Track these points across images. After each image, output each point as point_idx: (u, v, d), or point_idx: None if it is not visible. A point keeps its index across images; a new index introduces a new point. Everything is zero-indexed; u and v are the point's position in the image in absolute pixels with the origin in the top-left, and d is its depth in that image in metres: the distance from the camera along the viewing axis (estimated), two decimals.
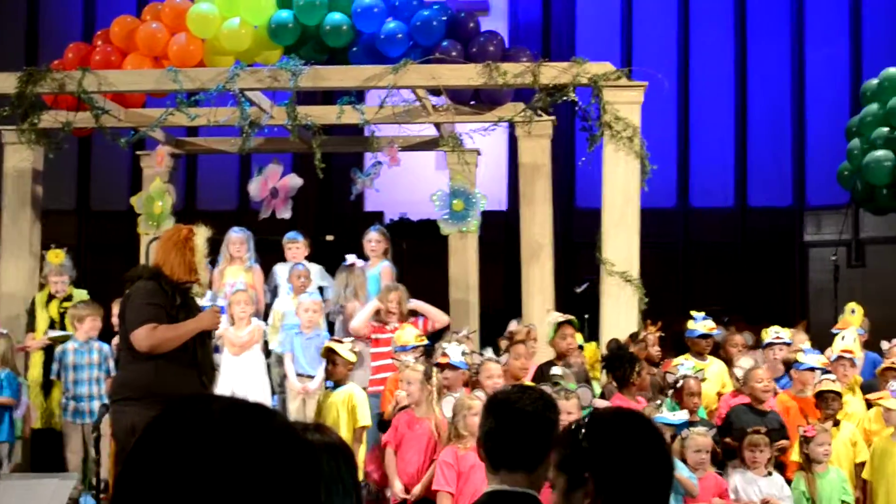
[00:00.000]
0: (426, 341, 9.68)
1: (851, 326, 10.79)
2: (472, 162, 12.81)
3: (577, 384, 8.32)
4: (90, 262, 16.04)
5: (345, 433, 8.73)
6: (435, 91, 11.30)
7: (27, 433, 10.76)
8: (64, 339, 10.60)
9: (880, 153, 13.95)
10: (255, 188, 12.25)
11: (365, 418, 9.08)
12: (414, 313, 10.35)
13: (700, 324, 10.17)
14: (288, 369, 10.43)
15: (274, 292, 11.59)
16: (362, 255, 11.52)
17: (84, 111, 11.26)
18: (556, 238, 12.45)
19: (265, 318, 11.11)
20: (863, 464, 8.81)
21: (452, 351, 8.86)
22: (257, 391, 9.74)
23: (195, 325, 7.37)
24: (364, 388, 9.58)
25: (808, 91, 20.56)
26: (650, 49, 20.44)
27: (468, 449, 7.36)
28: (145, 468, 1.64)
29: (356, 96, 11.56)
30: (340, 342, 9.42)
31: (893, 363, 9.61)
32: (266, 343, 10.69)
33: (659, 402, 8.58)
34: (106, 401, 8.95)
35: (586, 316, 11.32)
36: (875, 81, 14.69)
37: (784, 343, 10.08)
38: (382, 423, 8.83)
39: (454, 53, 10.98)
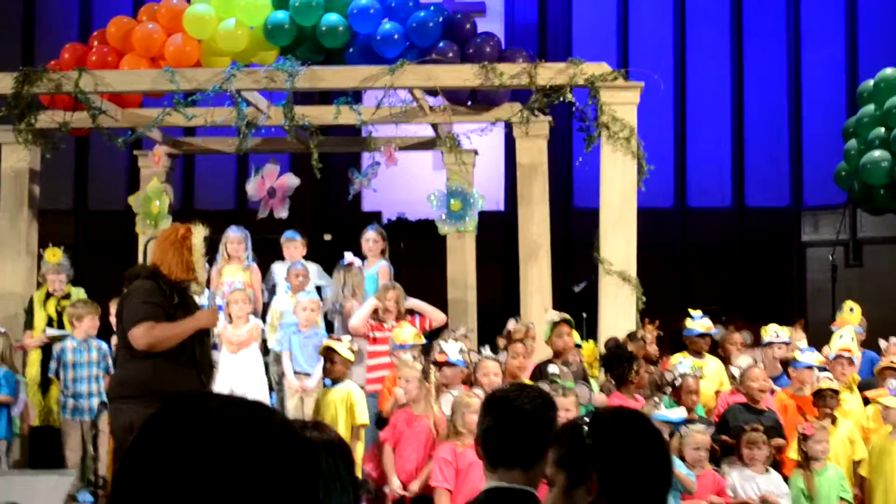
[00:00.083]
0: (424, 340, 9.70)
1: (849, 325, 10.81)
2: (469, 162, 12.82)
3: (574, 382, 8.33)
4: (88, 261, 16.05)
5: (343, 431, 8.73)
6: (432, 91, 11.31)
7: (25, 431, 10.78)
8: (62, 338, 10.61)
9: (877, 153, 13.96)
10: (253, 188, 12.26)
11: (363, 416, 9.09)
12: (411, 312, 10.36)
13: (698, 322, 10.20)
14: (286, 367, 10.43)
15: (272, 291, 11.59)
16: (360, 255, 11.53)
17: (81, 111, 11.27)
18: (553, 238, 12.46)
19: (263, 316, 11.12)
20: (860, 462, 8.82)
21: (450, 349, 8.87)
22: (255, 389, 9.74)
23: (193, 324, 7.38)
24: (361, 387, 9.59)
25: (804, 91, 20.58)
26: (647, 50, 20.46)
27: (466, 446, 7.38)
28: (143, 465, 1.64)
29: (353, 97, 11.56)
30: (339, 340, 9.43)
31: (892, 362, 9.63)
32: (264, 341, 10.70)
33: (657, 399, 8.59)
34: (104, 399, 8.98)
35: (584, 315, 11.33)
36: (871, 82, 14.71)
37: (783, 342, 10.09)
38: (381, 421, 8.84)
39: (451, 54, 11.00)
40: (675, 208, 20.54)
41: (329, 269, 11.57)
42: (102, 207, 19.47)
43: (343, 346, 9.27)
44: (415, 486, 8.31)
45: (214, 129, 12.68)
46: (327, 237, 14.59)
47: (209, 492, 1.59)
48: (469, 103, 11.83)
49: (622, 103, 10.37)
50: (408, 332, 9.54)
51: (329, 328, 10.97)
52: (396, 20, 11.16)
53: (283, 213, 12.15)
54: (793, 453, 8.64)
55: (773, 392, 9.29)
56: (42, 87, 10.96)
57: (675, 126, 20.78)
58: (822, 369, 9.26)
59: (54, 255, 11.26)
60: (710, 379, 9.79)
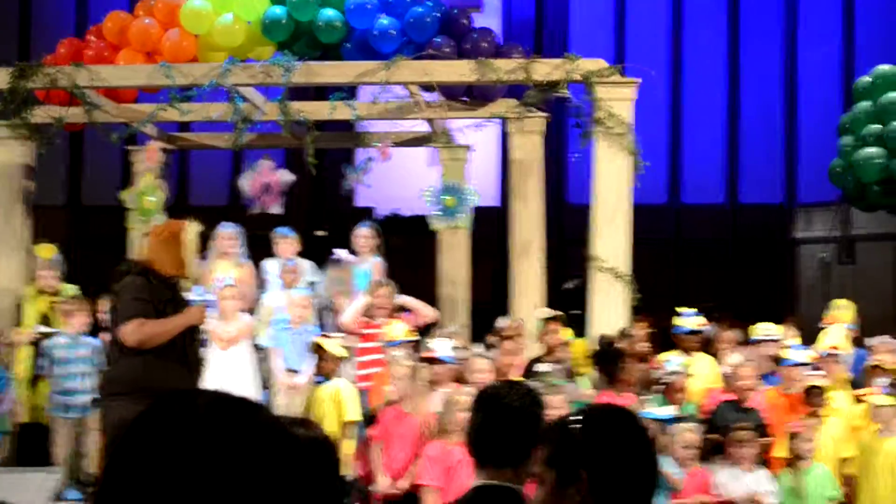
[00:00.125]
0: (416, 337, 9.71)
1: (838, 322, 10.85)
2: (463, 158, 12.84)
3: (564, 380, 8.36)
4: (81, 257, 16.02)
5: (333, 428, 8.75)
6: (427, 87, 11.31)
7: (13, 427, 10.76)
8: (51, 336, 10.61)
9: (871, 150, 13.98)
10: (247, 184, 12.26)
11: (353, 413, 9.10)
12: (402, 308, 10.37)
13: (687, 320, 10.21)
14: (275, 364, 10.45)
15: (262, 287, 11.59)
16: (353, 251, 11.54)
17: (76, 106, 11.26)
18: (547, 234, 12.47)
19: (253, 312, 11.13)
20: (849, 460, 8.84)
21: (439, 346, 8.88)
22: (245, 386, 9.75)
23: (183, 321, 7.40)
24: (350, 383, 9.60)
25: (800, 88, 20.58)
26: (643, 46, 20.44)
27: (455, 443, 7.38)
28: (130, 462, 1.64)
29: (348, 92, 11.56)
30: (329, 337, 9.45)
31: (879, 361, 9.65)
32: (255, 338, 10.71)
33: (647, 397, 8.62)
34: (95, 396, 8.98)
35: (577, 312, 11.34)
36: (867, 78, 14.72)
37: (773, 340, 10.10)
38: (371, 418, 8.86)
39: (447, 50, 11.00)
40: (670, 205, 20.55)
41: (323, 266, 11.60)
42: (96, 203, 19.44)
43: (334, 344, 9.29)
44: (403, 484, 8.32)
45: (209, 124, 12.67)
46: (321, 233, 14.61)
47: (196, 488, 1.60)
48: (464, 99, 11.83)
49: (618, 99, 10.38)
50: (399, 330, 9.55)
51: (320, 325, 10.98)
52: (393, 15, 11.16)
53: (277, 209, 12.15)
54: (781, 451, 8.66)
55: (760, 390, 9.31)
56: (38, 82, 10.95)
57: (670, 122, 20.78)
58: (812, 367, 9.28)
59: (47, 251, 11.26)
60: (700, 377, 9.81)
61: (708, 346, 10.49)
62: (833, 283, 16.30)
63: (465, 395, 7.49)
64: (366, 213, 16.81)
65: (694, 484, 8.18)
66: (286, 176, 12.28)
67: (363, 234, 11.65)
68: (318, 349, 9.32)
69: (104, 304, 9.80)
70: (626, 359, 8.90)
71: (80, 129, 12.91)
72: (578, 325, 10.51)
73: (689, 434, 8.28)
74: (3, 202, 11.74)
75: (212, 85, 10.72)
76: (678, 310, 10.31)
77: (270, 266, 11.66)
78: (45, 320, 11.00)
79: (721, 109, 20.87)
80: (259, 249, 11.88)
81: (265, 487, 1.65)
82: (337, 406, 9.09)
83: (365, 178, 11.79)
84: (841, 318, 11.10)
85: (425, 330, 10.26)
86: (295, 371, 10.34)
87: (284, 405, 10.04)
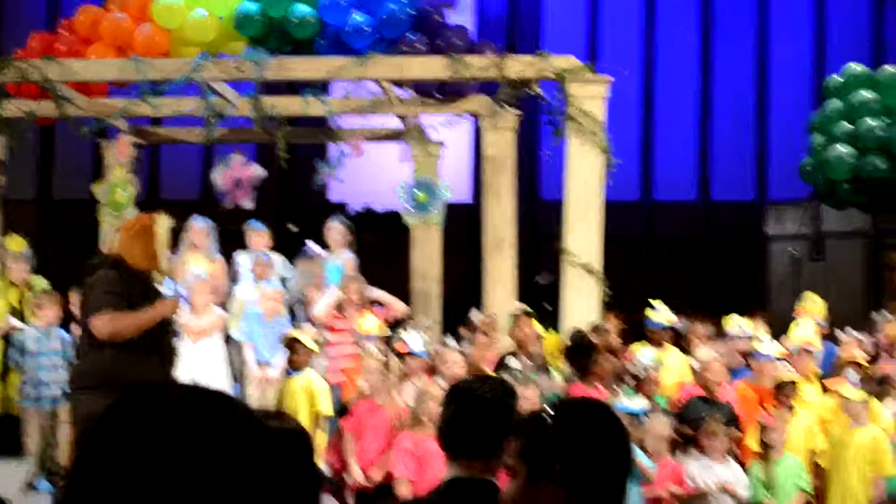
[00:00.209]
0: (388, 331, 9.73)
1: (809, 314, 10.93)
2: (435, 154, 12.85)
3: (536, 374, 8.39)
4: (52, 250, 15.95)
5: (305, 421, 8.75)
6: (400, 83, 11.31)
7: None
8: (21, 330, 10.58)
9: (842, 148, 14.07)
10: (219, 178, 12.24)
11: (325, 406, 9.11)
12: (373, 303, 10.40)
13: (659, 314, 10.27)
14: (248, 357, 10.44)
15: (234, 280, 11.58)
16: (325, 246, 11.55)
17: (47, 100, 11.21)
18: (519, 230, 12.50)
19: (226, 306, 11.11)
20: (819, 452, 8.91)
21: (412, 339, 8.90)
22: (217, 379, 9.74)
23: (154, 314, 7.37)
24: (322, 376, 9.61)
25: (771, 86, 20.71)
26: (615, 43, 20.52)
27: (428, 436, 7.40)
28: (100, 454, 1.63)
29: (321, 88, 11.55)
30: (302, 330, 9.45)
31: (850, 354, 9.72)
32: (227, 331, 10.70)
33: (619, 390, 8.67)
34: (65, 388, 8.95)
35: (549, 307, 11.37)
36: (838, 77, 14.81)
37: (745, 335, 10.15)
38: (344, 412, 8.87)
39: (420, 46, 11.00)
40: (642, 202, 20.62)
41: (294, 260, 11.60)
42: (67, 197, 19.37)
43: (307, 337, 9.29)
44: (376, 476, 8.34)
45: (181, 118, 12.63)
46: (293, 228, 14.59)
47: (168, 482, 1.58)
48: (437, 95, 11.84)
49: (590, 97, 10.39)
50: (372, 323, 9.57)
51: (292, 318, 10.98)
52: (366, 12, 11.15)
53: (248, 204, 12.14)
54: (752, 443, 8.73)
55: (731, 383, 9.37)
56: (8, 76, 10.88)
57: (642, 119, 20.86)
58: (782, 360, 9.36)
59: (17, 244, 11.21)
60: (672, 370, 9.87)
61: (679, 340, 10.55)
62: (803, 280, 16.39)
63: (438, 388, 7.52)
64: (338, 209, 16.80)
65: (665, 475, 8.23)
66: (258, 171, 12.26)
67: (335, 229, 11.66)
68: (290, 342, 9.32)
69: (75, 298, 9.77)
70: (598, 352, 8.94)
71: (51, 122, 12.84)
72: (551, 319, 10.55)
73: (661, 426, 8.33)
74: None
75: (184, 80, 10.69)
76: (651, 303, 10.36)
77: (242, 259, 11.65)
78: (15, 313, 10.96)
79: (693, 107, 20.98)
80: (231, 243, 11.87)
81: (239, 480, 1.63)
82: (309, 399, 9.09)
83: (337, 173, 11.79)
84: (812, 311, 11.19)
85: (396, 324, 10.28)
86: (267, 364, 10.35)
87: (257, 398, 10.04)
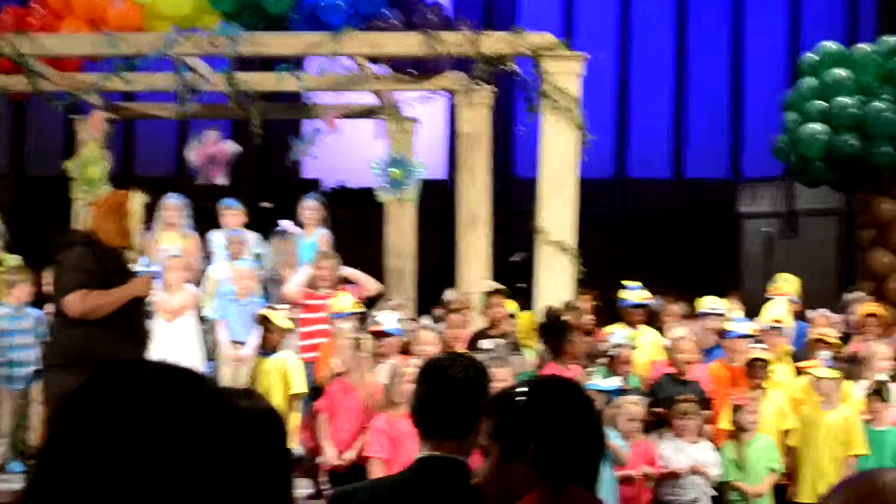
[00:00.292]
0: (362, 308, 9.71)
1: (782, 294, 10.96)
2: (410, 130, 12.82)
3: (508, 353, 8.39)
4: (24, 227, 15.86)
5: (278, 400, 8.74)
6: (375, 59, 11.26)
7: None
8: None
9: (815, 126, 14.09)
10: (193, 155, 12.19)
11: (299, 385, 9.09)
12: (346, 281, 10.37)
13: (632, 293, 10.29)
14: (221, 336, 10.41)
15: (208, 258, 11.54)
16: (299, 223, 11.52)
17: (19, 74, 11.12)
18: (494, 207, 12.50)
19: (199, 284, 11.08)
20: (790, 432, 8.95)
21: (386, 318, 8.89)
22: (190, 357, 9.72)
23: (127, 291, 7.35)
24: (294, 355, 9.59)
25: (745, 64, 20.73)
26: (591, 21, 20.47)
27: (402, 415, 7.39)
28: (70, 433, 1.62)
29: (295, 64, 11.49)
30: (275, 309, 9.42)
31: (821, 334, 9.75)
32: (200, 309, 10.67)
33: (592, 369, 8.68)
34: (38, 367, 8.92)
35: (523, 285, 11.37)
36: (812, 55, 14.82)
37: (718, 313, 10.17)
38: (317, 391, 8.85)
39: (395, 22, 10.95)
40: (616, 179, 20.64)
41: (268, 238, 11.57)
42: (40, 172, 19.24)
43: (279, 316, 9.26)
44: (350, 456, 8.34)
45: (155, 94, 12.55)
46: (267, 205, 14.55)
47: (138, 460, 1.58)
48: (412, 71, 11.80)
49: (565, 73, 10.37)
50: (346, 301, 9.55)
51: (266, 297, 10.96)
52: None
53: (222, 180, 12.09)
54: (724, 423, 8.76)
55: (703, 363, 9.39)
56: None
57: (617, 96, 20.86)
58: (755, 340, 9.38)
59: None
60: (645, 349, 9.89)
61: (653, 319, 10.56)
62: (777, 258, 16.46)
63: (412, 367, 7.51)
64: (312, 185, 16.76)
65: (638, 455, 8.26)
66: (232, 147, 12.21)
67: (309, 207, 11.63)
68: (263, 321, 9.30)
69: (48, 275, 9.71)
70: (571, 331, 8.93)
71: (23, 98, 12.75)
72: (524, 297, 10.55)
73: (634, 406, 8.36)
74: None
75: (157, 54, 10.62)
76: (623, 283, 10.37)
77: (216, 237, 11.60)
78: None
79: (668, 84, 20.98)
80: (205, 221, 11.82)
81: (210, 459, 1.63)
82: (283, 378, 9.07)
83: (311, 149, 11.75)
84: (785, 289, 11.21)
85: (370, 302, 10.26)
86: (240, 343, 10.32)
87: (229, 377, 10.01)
